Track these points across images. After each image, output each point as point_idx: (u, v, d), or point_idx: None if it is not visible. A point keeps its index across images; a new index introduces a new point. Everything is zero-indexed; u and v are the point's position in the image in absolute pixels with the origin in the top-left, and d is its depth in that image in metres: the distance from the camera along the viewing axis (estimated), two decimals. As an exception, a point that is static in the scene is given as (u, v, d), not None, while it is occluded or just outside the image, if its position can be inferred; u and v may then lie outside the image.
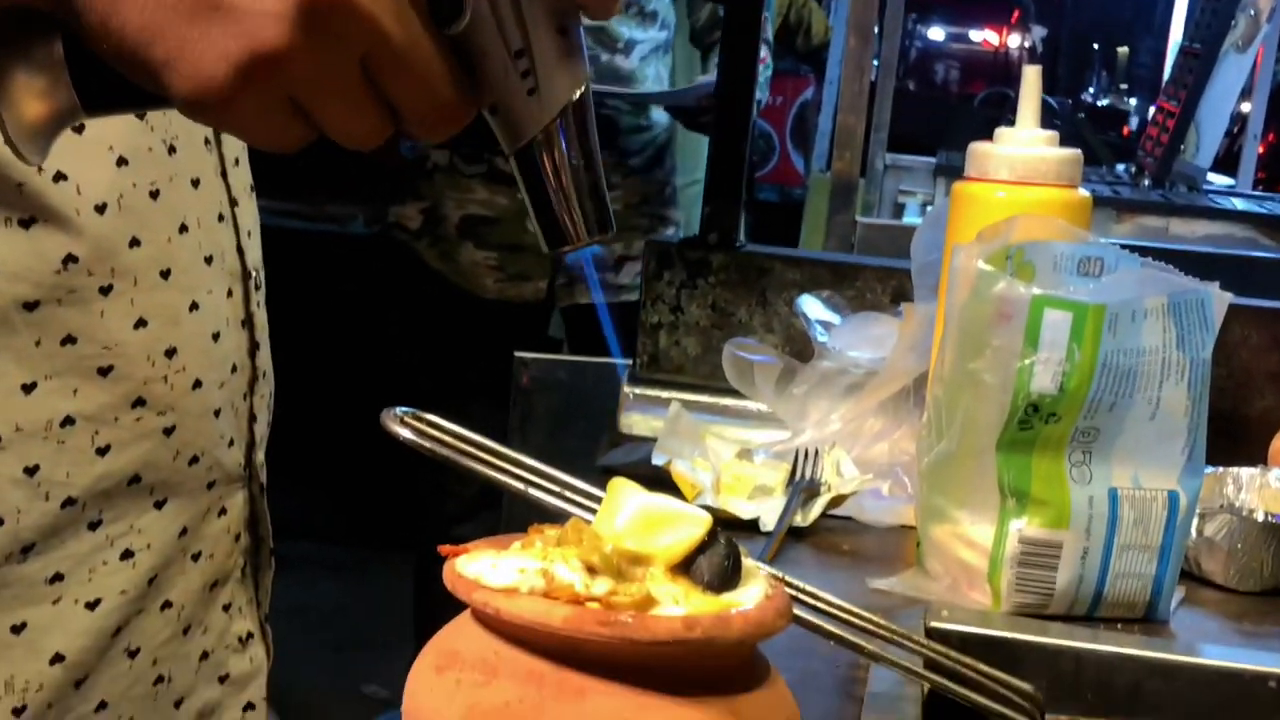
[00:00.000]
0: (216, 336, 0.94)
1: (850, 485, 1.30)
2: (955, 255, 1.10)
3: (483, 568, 0.63)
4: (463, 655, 0.63)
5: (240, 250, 0.97)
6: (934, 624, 1.05)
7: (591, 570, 0.63)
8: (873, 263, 1.63)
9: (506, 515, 1.68)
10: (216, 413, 0.94)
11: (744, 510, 1.29)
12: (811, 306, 1.48)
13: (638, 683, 0.61)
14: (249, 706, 1.03)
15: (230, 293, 0.96)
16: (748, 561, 0.67)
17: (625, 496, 0.66)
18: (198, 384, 0.92)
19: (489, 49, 0.58)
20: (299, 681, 3.00)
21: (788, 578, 0.89)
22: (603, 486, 1.44)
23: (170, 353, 0.90)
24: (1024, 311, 1.06)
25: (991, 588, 1.11)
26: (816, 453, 1.37)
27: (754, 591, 0.65)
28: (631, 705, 0.61)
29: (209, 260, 0.93)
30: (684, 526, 0.64)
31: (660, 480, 1.31)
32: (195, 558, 0.95)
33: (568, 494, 0.85)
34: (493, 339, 2.60)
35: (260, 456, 1.01)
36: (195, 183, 0.92)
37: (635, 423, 1.56)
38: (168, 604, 0.94)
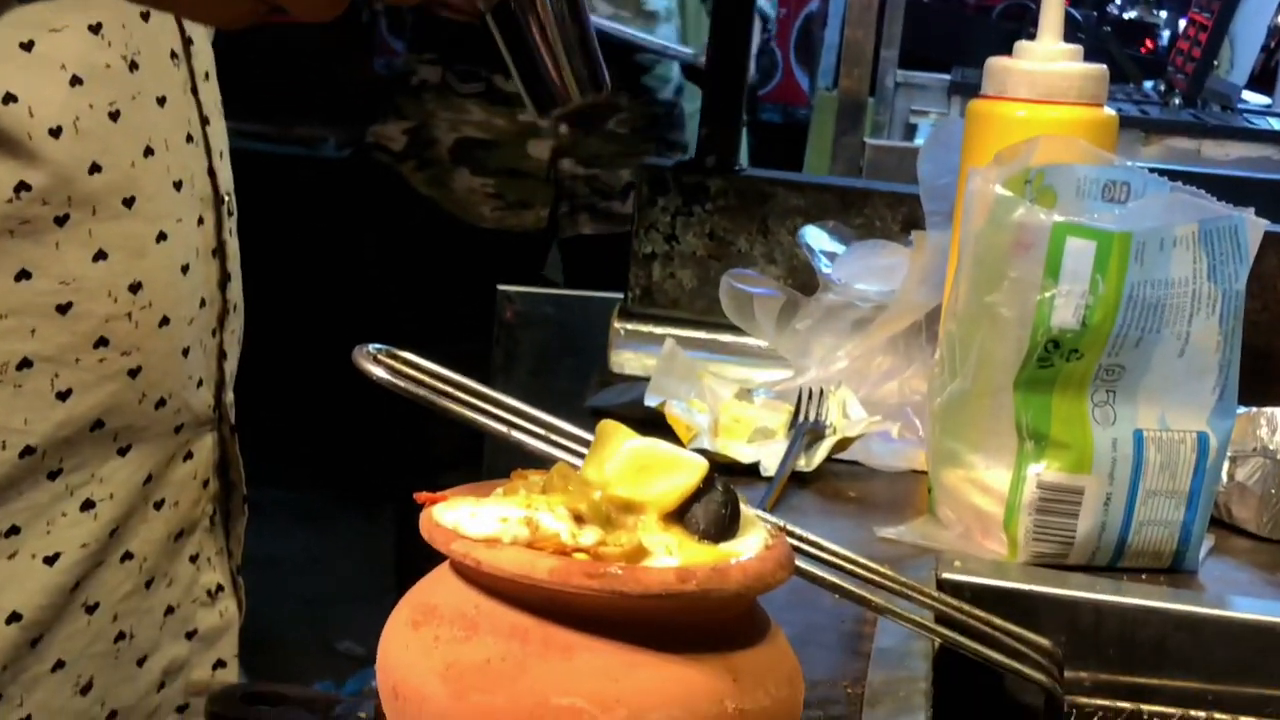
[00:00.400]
0: (185, 269, 0.93)
1: (857, 428, 1.30)
2: (970, 179, 1.10)
3: (461, 516, 0.63)
4: (441, 609, 0.63)
5: (212, 173, 0.96)
6: (945, 575, 1.05)
7: (579, 519, 0.63)
8: (882, 188, 1.62)
9: (489, 462, 1.68)
10: (185, 351, 0.94)
11: (743, 454, 1.29)
12: (816, 237, 1.47)
13: (628, 638, 0.61)
14: (219, 664, 1.02)
15: (201, 220, 0.95)
16: (746, 509, 0.66)
17: (615, 440, 0.65)
18: (165, 321, 0.91)
19: None
20: (268, 636, 3.01)
21: (789, 526, 0.89)
22: (592, 430, 1.44)
23: (135, 287, 0.89)
24: (1044, 240, 1.05)
25: (1007, 536, 1.11)
26: (821, 393, 1.36)
27: (753, 541, 0.65)
28: (621, 662, 0.61)
29: (178, 185, 0.92)
30: (678, 472, 0.64)
31: (653, 423, 1.31)
32: (158, 506, 0.95)
33: (554, 437, 0.84)
34: (487, 272, 2.59)
35: (230, 396, 1.00)
36: (161, 101, 0.91)
37: (627, 361, 1.55)
38: (128, 555, 0.93)
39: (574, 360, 2.01)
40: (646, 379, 1.41)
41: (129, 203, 0.88)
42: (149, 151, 0.89)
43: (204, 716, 0.76)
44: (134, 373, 0.90)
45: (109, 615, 0.93)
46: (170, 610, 0.98)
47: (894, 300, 1.40)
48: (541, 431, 0.85)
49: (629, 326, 1.57)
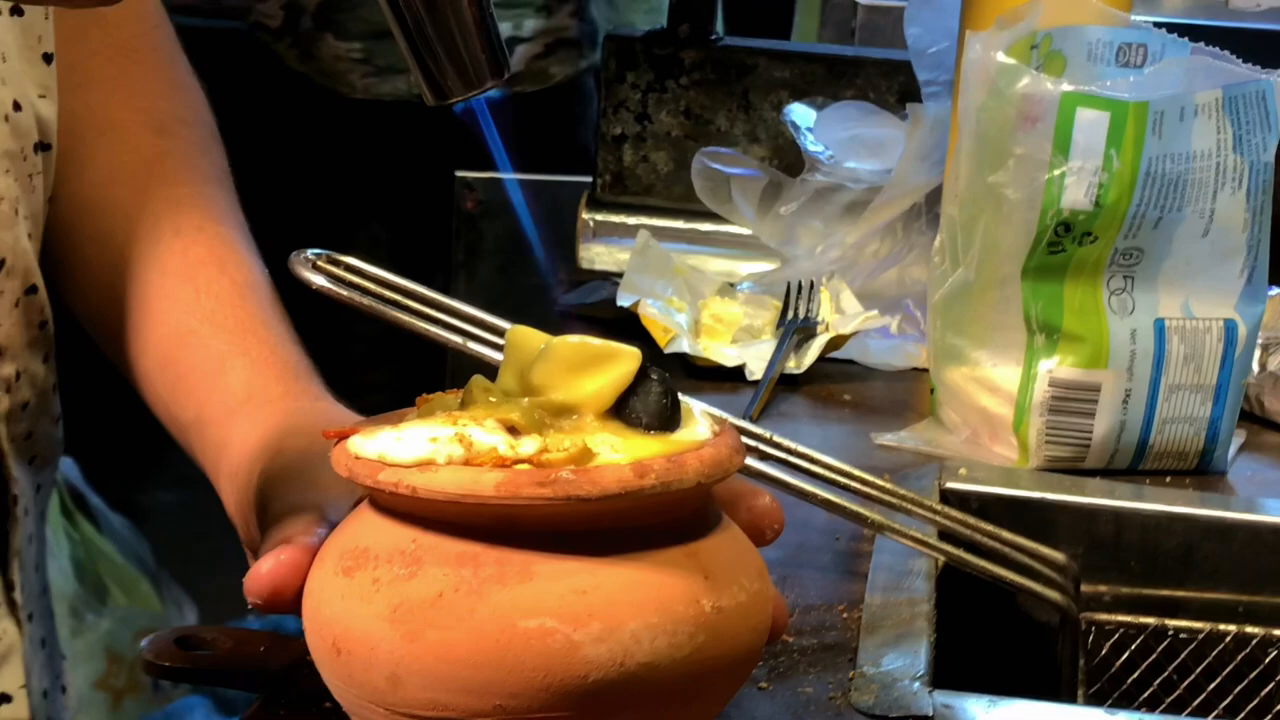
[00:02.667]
0: None
1: (851, 324, 1.30)
2: (969, 47, 1.09)
3: (384, 444, 0.63)
4: (373, 550, 0.63)
5: None
6: (950, 485, 1.06)
7: (512, 430, 0.62)
8: (875, 54, 1.60)
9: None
10: None
11: (727, 356, 1.29)
12: (802, 115, 1.46)
13: (587, 549, 0.61)
14: (3, 698, 0.94)
15: None
16: (685, 399, 0.67)
17: (531, 343, 0.65)
18: None
19: None
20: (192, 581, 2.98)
21: (775, 436, 0.90)
22: (563, 332, 1.44)
23: None
24: (1052, 112, 1.05)
25: (1018, 440, 1.11)
26: (811, 285, 1.36)
27: (700, 430, 0.65)
28: (585, 574, 0.61)
29: None
30: (608, 365, 0.64)
31: (627, 324, 1.31)
32: None
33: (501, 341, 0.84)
34: (367, 147, 2.58)
35: (5, 372, 0.92)
36: None
37: (597, 255, 1.55)
38: None
39: (544, 249, 2.01)
40: (620, 274, 1.41)
41: None
42: None
43: (141, 665, 0.76)
44: None
45: None
46: None
47: (889, 181, 1.39)
48: (500, 340, 0.84)
49: (598, 217, 1.57)
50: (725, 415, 0.81)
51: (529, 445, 0.62)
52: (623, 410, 0.64)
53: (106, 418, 0.96)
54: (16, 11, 0.89)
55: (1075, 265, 1.08)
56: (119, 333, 0.95)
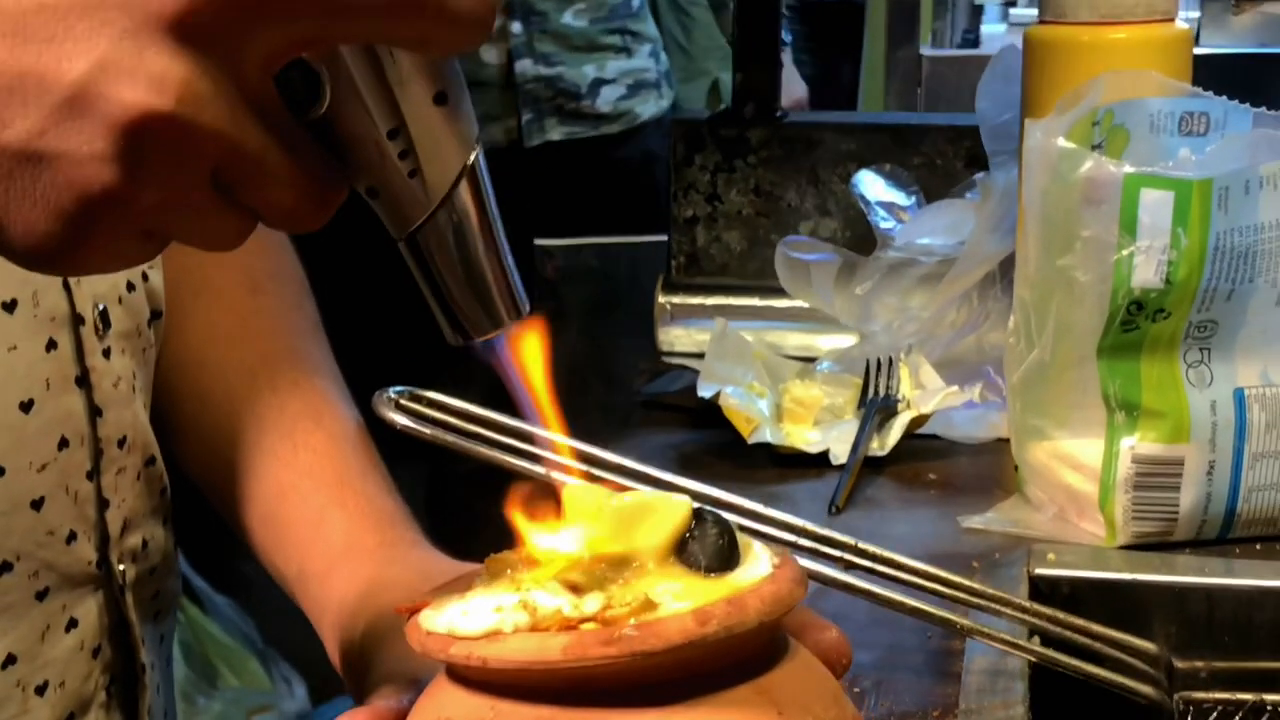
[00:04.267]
0: (27, 405, 0.85)
1: (932, 402, 1.31)
2: (1030, 134, 1.10)
3: (452, 617, 0.64)
4: None
5: (67, 286, 0.88)
6: (1039, 571, 1.06)
7: (574, 589, 0.64)
8: (940, 121, 1.62)
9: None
10: (36, 503, 0.86)
11: (811, 441, 1.30)
12: (871, 186, 1.47)
13: (657, 700, 0.62)
14: None
15: (53, 344, 0.87)
16: (742, 536, 0.68)
17: (585, 503, 0.67)
18: None
19: (357, 132, 0.58)
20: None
21: (861, 544, 0.91)
22: (647, 424, 1.45)
23: None
24: (1116, 194, 1.05)
25: (1104, 516, 1.12)
26: (890, 362, 1.37)
27: (760, 565, 0.66)
28: None
29: (9, 306, 0.85)
30: (662, 515, 0.65)
31: (710, 413, 1.32)
32: (40, 690, 0.87)
33: (597, 471, 0.86)
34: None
35: (131, 543, 0.93)
36: None
37: (676, 339, 1.57)
38: None
39: (623, 316, 2.03)
40: (699, 355, 1.42)
41: None
42: None
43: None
44: None
45: None
46: None
47: (964, 252, 1.40)
48: (583, 467, 0.86)
49: (675, 300, 1.58)
50: (857, 543, 0.83)
51: (592, 603, 0.63)
52: (682, 555, 0.65)
53: (198, 493, 0.99)
54: None
55: (1150, 342, 1.08)
56: (224, 488, 0.98)
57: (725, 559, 0.65)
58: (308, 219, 0.58)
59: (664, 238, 1.65)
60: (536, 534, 0.67)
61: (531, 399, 0.68)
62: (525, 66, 2.68)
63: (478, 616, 0.63)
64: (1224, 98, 1.14)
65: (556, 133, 2.70)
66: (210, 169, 0.55)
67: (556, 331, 2.02)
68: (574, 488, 0.69)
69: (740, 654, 0.65)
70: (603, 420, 1.66)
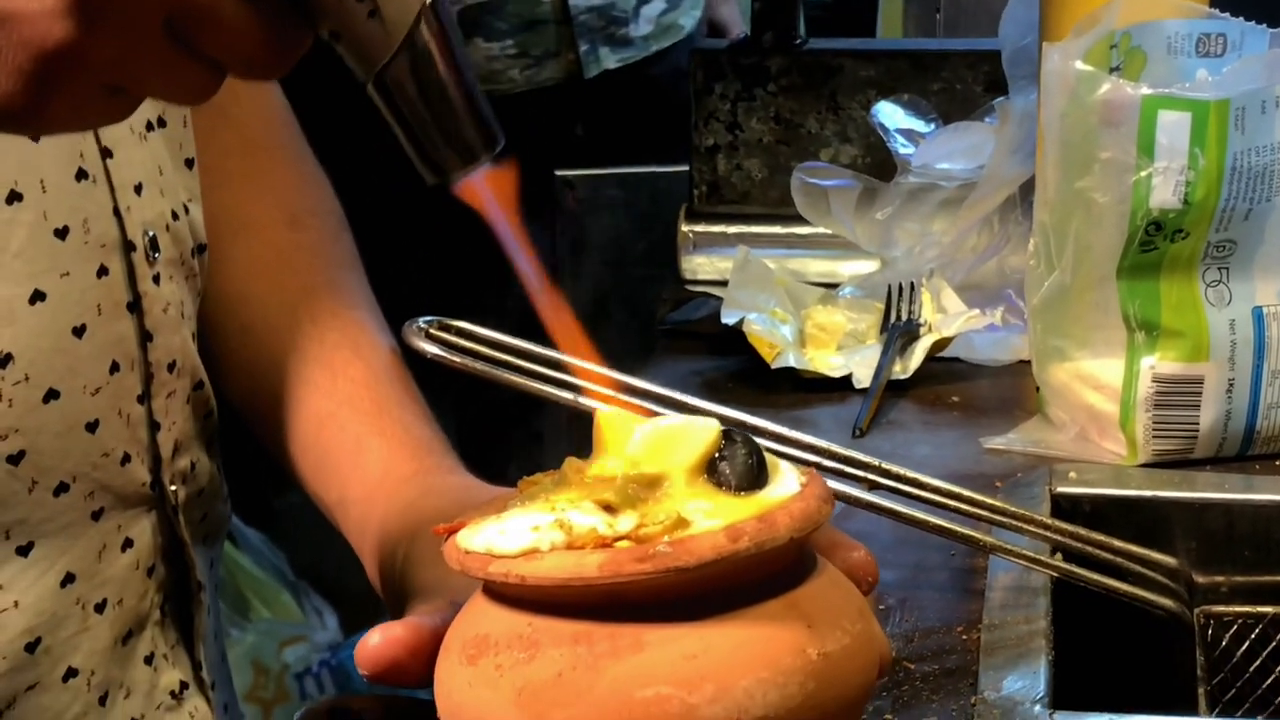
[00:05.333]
0: (80, 330, 0.86)
1: (954, 325, 1.32)
2: (1048, 57, 1.10)
3: (490, 537, 0.65)
4: (493, 637, 0.66)
5: (118, 213, 0.88)
6: (1060, 489, 1.08)
7: (609, 509, 0.65)
8: (959, 46, 1.62)
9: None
10: (91, 425, 0.87)
11: (834, 366, 1.31)
12: (890, 114, 1.48)
13: (691, 614, 0.64)
14: None
15: (104, 270, 0.87)
16: (770, 456, 0.69)
17: (619, 428, 0.68)
18: (53, 395, 0.85)
19: None
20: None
21: (885, 464, 0.92)
22: (671, 352, 1.46)
23: (2, 360, 0.83)
24: (1134, 115, 1.06)
25: (1125, 435, 1.13)
26: (912, 287, 1.38)
27: (788, 484, 0.68)
28: (693, 639, 0.63)
29: (61, 233, 0.85)
30: (692, 437, 0.67)
31: (732, 340, 1.33)
32: (99, 608, 0.89)
33: (624, 398, 0.87)
34: (522, 138, 2.59)
35: (180, 465, 0.94)
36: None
37: (699, 267, 1.57)
38: (72, 672, 0.88)
39: (646, 246, 2.03)
40: (722, 283, 1.43)
41: None
42: (14, 197, 0.83)
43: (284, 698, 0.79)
44: (15, 459, 0.84)
45: None
46: None
47: (983, 176, 1.41)
48: (611, 393, 0.87)
49: (698, 229, 1.59)
50: (881, 464, 0.85)
51: (626, 522, 0.64)
52: (712, 475, 0.67)
53: (231, 429, 0.99)
54: (161, 124, 0.93)
55: (1169, 262, 1.09)
56: (266, 419, 0.99)
57: (754, 478, 0.66)
58: (269, 67, 0.59)
59: (685, 168, 1.66)
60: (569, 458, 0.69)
61: (512, 234, 0.68)
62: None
63: (515, 536, 0.65)
64: (1240, 19, 1.14)
65: (611, 60, 2.70)
66: (163, 18, 0.56)
67: (578, 262, 2.03)
68: (605, 413, 0.70)
69: (771, 569, 0.66)
70: (626, 348, 1.67)
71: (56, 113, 0.58)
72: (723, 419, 0.73)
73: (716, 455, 0.66)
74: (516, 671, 0.64)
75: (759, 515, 0.65)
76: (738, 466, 0.66)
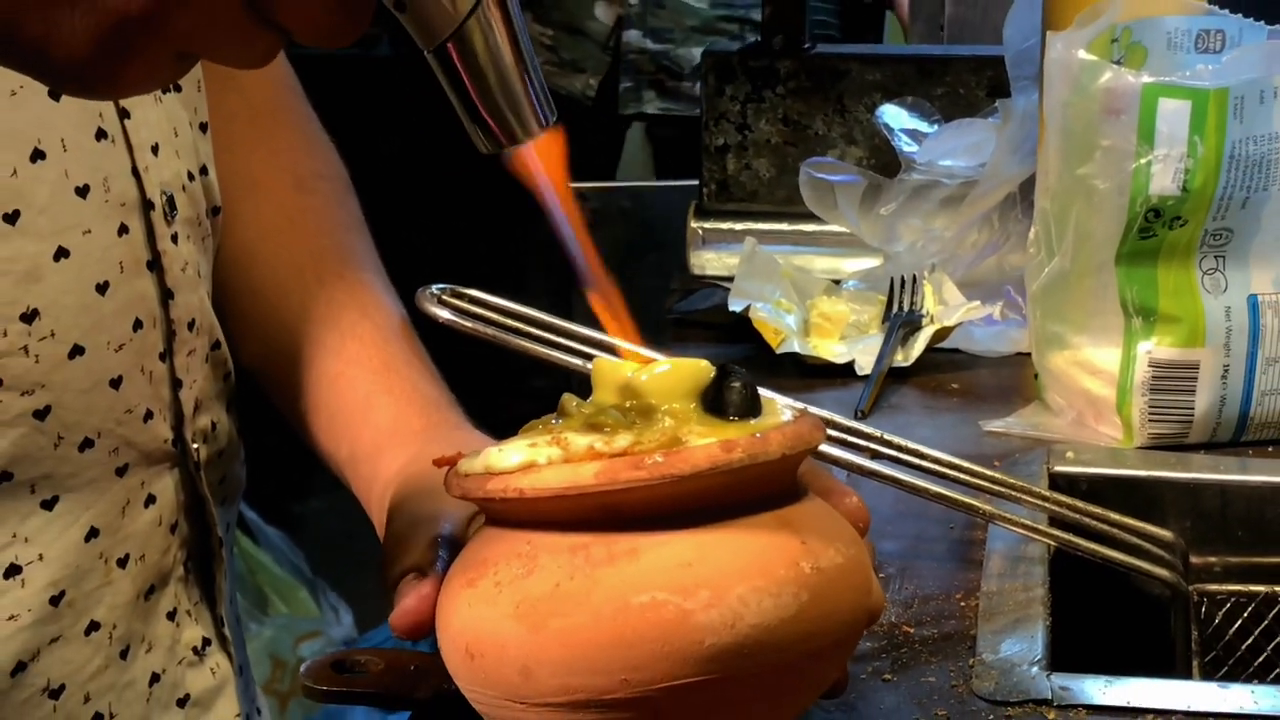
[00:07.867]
0: (103, 288, 0.85)
1: (955, 315, 1.30)
2: (1050, 46, 1.09)
3: (488, 457, 0.65)
4: (492, 558, 0.65)
5: (136, 173, 0.87)
6: (1058, 469, 1.06)
7: (606, 430, 0.64)
8: (963, 52, 1.61)
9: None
10: (115, 382, 0.86)
11: (837, 353, 1.30)
12: (895, 116, 1.46)
13: (686, 524, 0.63)
14: None
15: (124, 229, 0.86)
16: (766, 393, 0.68)
17: (615, 371, 0.67)
18: (78, 350, 0.84)
19: None
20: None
21: (886, 435, 0.91)
22: (678, 339, 1.45)
23: (29, 316, 0.81)
24: (1135, 104, 1.05)
25: (1122, 419, 1.11)
26: (914, 279, 1.37)
27: (782, 416, 0.67)
28: (688, 547, 0.62)
29: (82, 191, 0.84)
30: (687, 370, 0.66)
31: (739, 328, 1.32)
32: (122, 563, 0.88)
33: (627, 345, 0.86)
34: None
35: (201, 424, 0.93)
36: (54, 93, 0.81)
37: (707, 262, 1.56)
38: (94, 625, 0.87)
39: (656, 256, 2.02)
40: (730, 278, 1.42)
41: (11, 218, 0.81)
42: (38, 155, 0.82)
43: (300, 690, 0.78)
44: (41, 414, 0.83)
45: (79, 697, 0.86)
46: (155, 679, 0.91)
47: (984, 173, 1.39)
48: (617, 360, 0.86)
49: (706, 225, 1.58)
50: (884, 434, 0.84)
51: (622, 440, 0.64)
52: (707, 405, 0.66)
53: (254, 430, 0.98)
54: (176, 88, 0.92)
55: (1167, 249, 1.08)
56: (277, 379, 0.98)
57: (748, 407, 0.66)
58: (338, 33, 0.58)
59: (694, 182, 1.65)
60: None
61: (560, 206, 0.67)
62: (633, 37, 2.67)
63: (513, 454, 0.64)
64: (1240, 15, 1.13)
65: (652, 106, 2.69)
66: None
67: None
68: (602, 360, 0.69)
69: (764, 486, 0.65)
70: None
71: (130, 78, 0.57)
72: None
73: (712, 386, 0.66)
74: (515, 586, 0.63)
75: (754, 432, 0.64)
76: (733, 395, 0.66)
